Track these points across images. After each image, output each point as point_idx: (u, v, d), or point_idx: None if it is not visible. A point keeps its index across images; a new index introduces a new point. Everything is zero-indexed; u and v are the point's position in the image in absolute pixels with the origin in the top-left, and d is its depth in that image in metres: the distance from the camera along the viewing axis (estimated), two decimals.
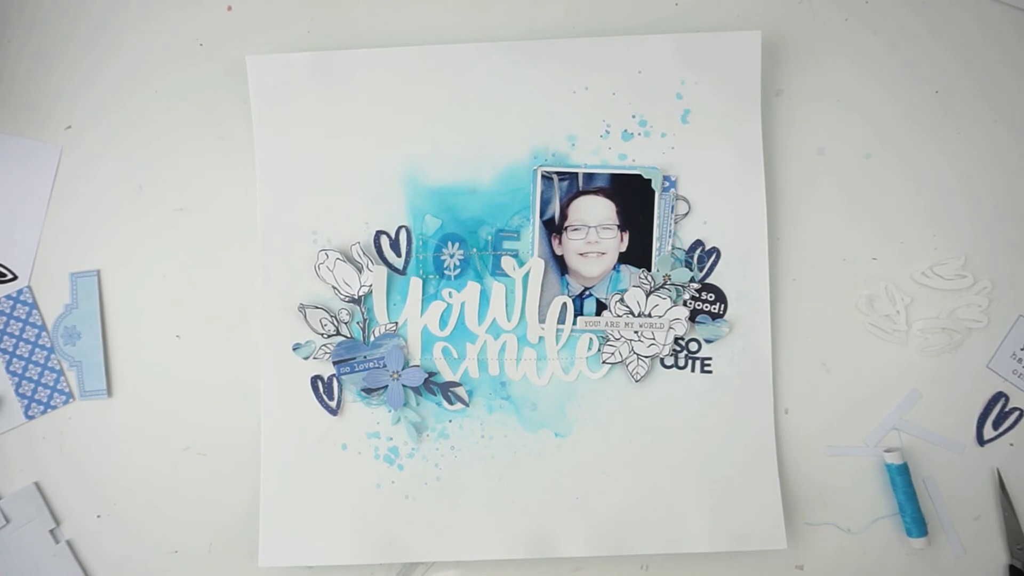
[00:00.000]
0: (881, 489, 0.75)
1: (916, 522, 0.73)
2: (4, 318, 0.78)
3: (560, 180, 0.76)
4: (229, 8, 0.80)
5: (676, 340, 0.75)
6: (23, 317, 0.78)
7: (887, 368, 0.76)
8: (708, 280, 0.76)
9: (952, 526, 0.75)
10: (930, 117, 0.78)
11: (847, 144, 0.78)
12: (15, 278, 0.79)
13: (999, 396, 0.76)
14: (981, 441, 0.76)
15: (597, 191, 0.76)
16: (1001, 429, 0.76)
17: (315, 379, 0.77)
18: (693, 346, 0.76)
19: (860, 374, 0.76)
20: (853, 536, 0.75)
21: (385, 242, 0.77)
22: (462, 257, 0.76)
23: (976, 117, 0.78)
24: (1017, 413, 0.76)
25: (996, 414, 0.76)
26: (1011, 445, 0.76)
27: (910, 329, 0.76)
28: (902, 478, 0.74)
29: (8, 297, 0.78)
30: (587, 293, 0.76)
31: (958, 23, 0.78)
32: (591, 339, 0.76)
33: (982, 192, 0.77)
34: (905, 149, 0.78)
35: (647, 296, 0.75)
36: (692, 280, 0.75)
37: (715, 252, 0.75)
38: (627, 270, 0.76)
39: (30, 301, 0.78)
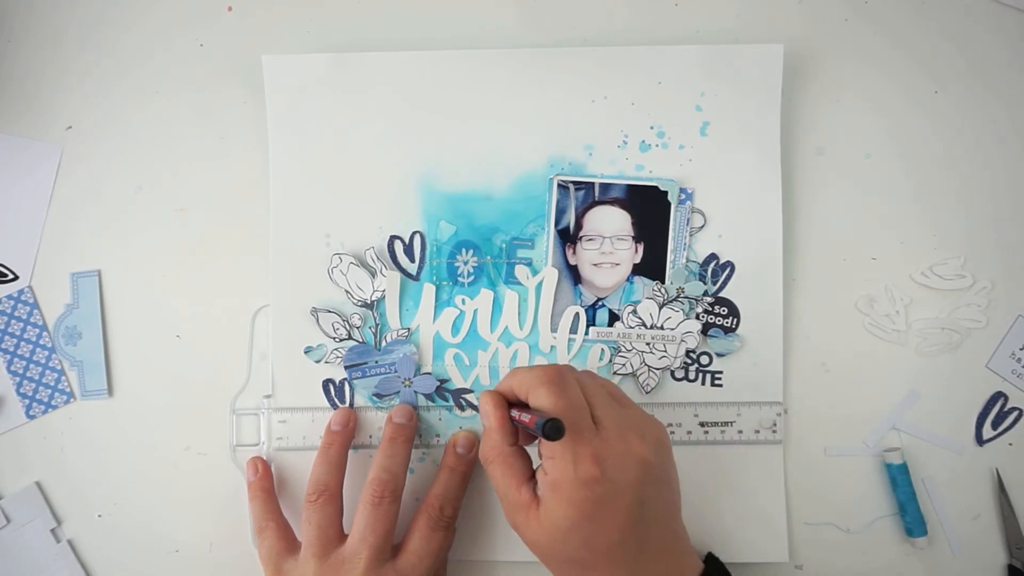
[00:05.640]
0: (881, 489, 0.76)
1: (916, 522, 0.75)
2: (5, 318, 0.77)
3: (576, 190, 0.76)
4: (229, 8, 0.79)
5: (687, 353, 0.76)
6: (24, 317, 0.77)
7: (887, 368, 0.77)
8: (721, 294, 0.76)
9: (952, 526, 0.76)
10: (930, 117, 0.78)
11: (846, 144, 0.78)
12: (16, 278, 0.77)
13: (998, 396, 0.77)
14: (980, 441, 0.77)
15: (613, 202, 0.76)
16: (1000, 429, 0.77)
17: (327, 382, 0.76)
18: (704, 359, 0.76)
19: (860, 374, 0.77)
20: (853, 536, 0.76)
21: (399, 247, 0.76)
22: (476, 264, 0.76)
23: (976, 117, 0.78)
24: (1016, 413, 0.77)
25: (995, 414, 0.77)
26: (1010, 445, 0.77)
27: (910, 329, 0.77)
28: (902, 478, 0.75)
29: (9, 297, 0.77)
30: (600, 303, 0.76)
31: (958, 23, 0.79)
32: (603, 350, 0.76)
33: (981, 192, 0.78)
34: (905, 149, 0.78)
35: (660, 308, 0.75)
36: (706, 293, 0.76)
37: (729, 266, 0.76)
38: (641, 282, 0.76)
39: (31, 301, 0.77)
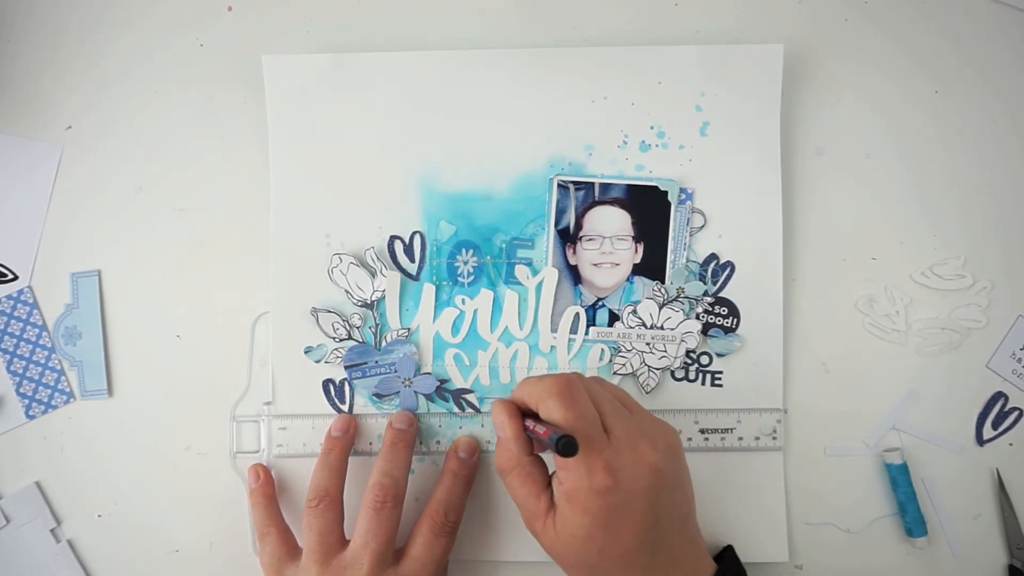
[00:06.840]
0: (881, 489, 0.76)
1: (916, 522, 0.75)
2: (5, 318, 0.77)
3: (576, 190, 0.76)
4: (229, 8, 0.79)
5: (687, 353, 0.76)
6: (24, 317, 0.77)
7: (887, 368, 0.77)
8: (722, 294, 0.76)
9: (952, 526, 0.76)
10: (930, 117, 0.78)
11: (846, 144, 0.78)
12: (16, 278, 0.77)
13: (998, 396, 0.77)
14: (980, 441, 0.77)
15: (613, 202, 0.76)
16: (1000, 429, 0.77)
17: (327, 383, 0.76)
18: (704, 359, 0.76)
19: (860, 374, 0.77)
20: (853, 536, 0.77)
21: (399, 247, 0.76)
22: (476, 264, 0.76)
23: (976, 117, 0.78)
24: (1016, 413, 0.77)
25: (995, 414, 0.77)
26: (1010, 445, 0.77)
27: (910, 329, 0.77)
28: (902, 478, 0.75)
29: (9, 297, 0.77)
30: (600, 303, 0.76)
31: (958, 23, 0.79)
32: (603, 350, 0.76)
33: (982, 192, 0.78)
34: (905, 149, 0.78)
35: (660, 308, 0.75)
36: (706, 293, 0.76)
37: (730, 266, 0.76)
38: (641, 282, 0.76)
39: (31, 301, 0.77)
